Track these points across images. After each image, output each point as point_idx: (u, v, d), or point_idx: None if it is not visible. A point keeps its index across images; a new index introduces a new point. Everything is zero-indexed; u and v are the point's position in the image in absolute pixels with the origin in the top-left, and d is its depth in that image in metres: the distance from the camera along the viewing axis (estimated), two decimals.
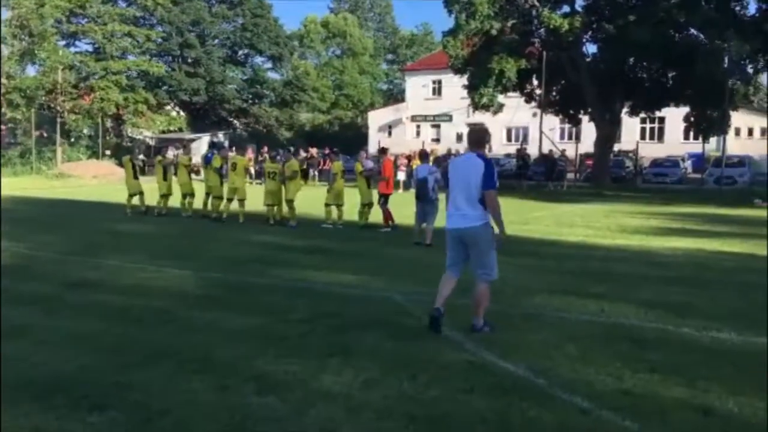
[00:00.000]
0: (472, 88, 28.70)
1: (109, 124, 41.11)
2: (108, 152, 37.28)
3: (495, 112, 29.25)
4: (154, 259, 9.24)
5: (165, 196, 15.34)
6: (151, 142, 39.72)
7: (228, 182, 14.30)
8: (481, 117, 30.62)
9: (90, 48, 41.54)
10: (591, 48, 29.72)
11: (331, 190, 13.54)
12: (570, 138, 40.73)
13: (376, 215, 13.25)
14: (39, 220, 14.29)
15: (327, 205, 13.51)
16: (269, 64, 50.83)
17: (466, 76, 29.27)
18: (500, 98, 29.91)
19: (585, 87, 27.91)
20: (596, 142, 29.35)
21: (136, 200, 15.40)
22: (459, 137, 47.45)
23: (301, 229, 13.01)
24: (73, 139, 38.07)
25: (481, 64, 27.19)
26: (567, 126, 40.32)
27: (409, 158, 26.36)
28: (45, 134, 36.32)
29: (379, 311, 6.43)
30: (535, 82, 30.62)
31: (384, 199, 12.96)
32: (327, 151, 31.97)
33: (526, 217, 15.22)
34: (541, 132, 29.66)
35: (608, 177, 29.04)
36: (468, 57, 28.13)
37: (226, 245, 10.82)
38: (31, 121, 33.49)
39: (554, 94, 31.31)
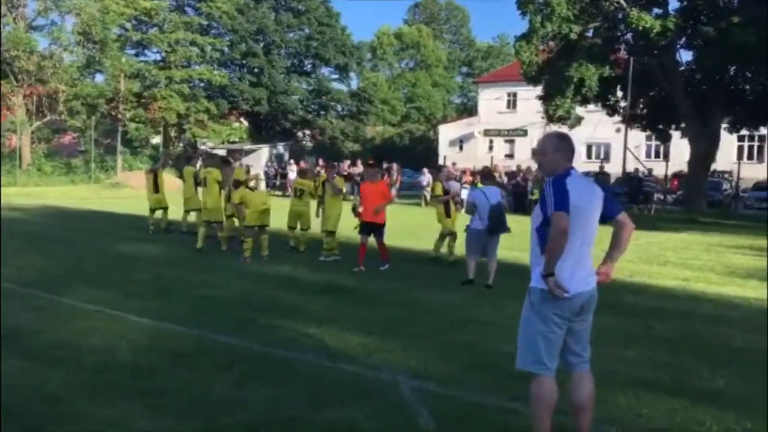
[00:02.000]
0: (546, 98, 26.01)
1: (173, 133, 40.60)
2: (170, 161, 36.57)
3: (572, 126, 26.33)
4: (121, 299, 7.31)
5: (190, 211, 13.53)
6: (222, 152, 38.81)
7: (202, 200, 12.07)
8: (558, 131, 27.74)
9: (157, 57, 41.17)
10: (685, 55, 26.40)
11: (323, 212, 10.92)
12: (657, 156, 37.08)
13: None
14: (42, 237, 12.71)
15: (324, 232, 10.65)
16: (336, 75, 49.27)
17: (540, 86, 26.58)
18: (579, 110, 27.07)
19: (678, 99, 24.66)
20: (690, 162, 25.94)
21: (158, 214, 13.80)
22: (535, 153, 44.40)
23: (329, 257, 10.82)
24: (138, 148, 37.66)
25: (557, 72, 24.47)
26: (654, 143, 36.74)
27: (474, 176, 23.81)
28: (112, 143, 35.99)
29: (363, 413, 4.15)
30: (620, 93, 27.48)
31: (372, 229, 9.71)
32: (385, 165, 29.70)
33: (603, 249, 12.42)
34: (625, 148, 26.52)
35: (704, 201, 25.61)
36: (543, 64, 25.47)
37: (224, 279, 8.78)
38: (91, 128, 33.03)
39: (641, 106, 28.00)
